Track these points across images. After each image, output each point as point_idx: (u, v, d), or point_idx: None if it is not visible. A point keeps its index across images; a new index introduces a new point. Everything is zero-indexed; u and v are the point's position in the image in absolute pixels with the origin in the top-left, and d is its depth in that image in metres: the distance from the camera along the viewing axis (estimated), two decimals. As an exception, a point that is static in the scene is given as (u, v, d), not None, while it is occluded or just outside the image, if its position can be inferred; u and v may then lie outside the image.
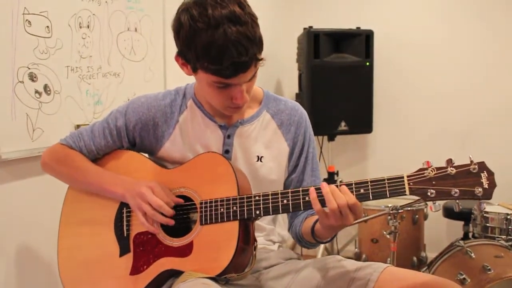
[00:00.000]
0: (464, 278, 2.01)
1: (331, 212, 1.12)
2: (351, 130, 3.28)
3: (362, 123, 3.31)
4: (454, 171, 1.10)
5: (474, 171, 1.08)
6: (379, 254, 2.71)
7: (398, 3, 3.48)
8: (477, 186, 1.07)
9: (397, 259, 2.35)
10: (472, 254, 2.12)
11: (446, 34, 3.37)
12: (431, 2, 3.43)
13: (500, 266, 2.00)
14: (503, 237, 2.27)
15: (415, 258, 2.69)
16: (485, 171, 1.08)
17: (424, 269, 2.38)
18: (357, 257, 2.84)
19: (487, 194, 1.07)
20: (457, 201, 1.11)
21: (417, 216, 2.71)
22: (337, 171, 3.31)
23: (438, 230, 3.27)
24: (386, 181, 1.13)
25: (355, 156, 3.65)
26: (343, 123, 3.24)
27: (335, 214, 1.12)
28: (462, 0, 3.34)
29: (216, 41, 1.10)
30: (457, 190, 1.08)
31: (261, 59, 1.18)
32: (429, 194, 1.10)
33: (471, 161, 1.10)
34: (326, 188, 1.14)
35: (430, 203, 1.12)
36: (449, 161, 1.12)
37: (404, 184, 1.11)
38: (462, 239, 2.35)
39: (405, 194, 1.12)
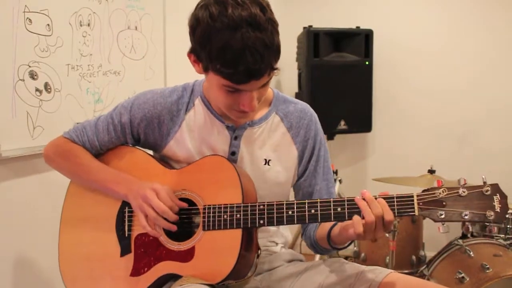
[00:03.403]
0: (463, 277, 2.01)
1: (367, 223, 1.08)
2: (351, 129, 3.29)
3: (362, 122, 3.32)
4: (466, 192, 1.06)
5: (487, 193, 1.05)
6: (378, 253, 2.71)
7: (398, 2, 3.48)
8: (488, 210, 1.04)
9: (396, 258, 2.36)
10: (471, 253, 2.12)
11: (446, 34, 3.38)
12: (431, 1, 3.43)
13: (498, 265, 2.01)
14: (502, 236, 2.28)
15: (414, 257, 2.69)
16: (498, 194, 1.04)
17: (423, 268, 2.39)
18: (356, 255, 2.84)
19: (499, 218, 1.03)
20: (467, 223, 1.09)
21: (416, 215, 2.71)
22: (336, 170, 3.31)
23: (437, 229, 3.28)
24: (395, 199, 1.10)
25: (354, 155, 3.66)
26: (342, 122, 3.24)
27: (369, 226, 1.08)
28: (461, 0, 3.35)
29: (232, 44, 1.05)
30: (468, 213, 1.05)
31: (276, 69, 1.13)
32: (438, 215, 1.07)
33: (484, 182, 1.06)
34: (361, 202, 1.10)
35: (438, 224, 1.09)
36: (461, 181, 1.08)
37: (413, 204, 1.09)
38: (461, 238, 2.36)
39: (414, 214, 1.09)
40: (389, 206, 1.10)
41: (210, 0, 1.11)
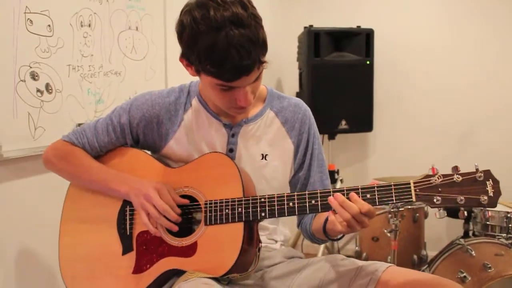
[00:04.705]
0: (464, 276, 2.01)
1: (345, 221, 1.11)
2: (352, 129, 3.29)
3: (363, 121, 3.32)
4: (460, 178, 1.09)
5: (480, 179, 1.08)
6: (380, 252, 2.71)
7: (399, 2, 3.47)
8: (482, 194, 1.07)
9: (398, 257, 2.36)
10: (473, 252, 2.12)
11: (446, 33, 3.38)
12: (431, 0, 3.43)
13: (500, 264, 2.01)
14: (504, 235, 2.28)
15: (415, 257, 2.69)
16: (490, 179, 1.08)
17: (425, 267, 2.39)
18: (358, 255, 2.84)
19: (492, 203, 1.07)
20: (462, 208, 1.11)
21: (417, 214, 2.71)
22: (338, 170, 3.32)
23: (439, 228, 3.28)
24: (392, 187, 1.13)
25: (355, 155, 3.66)
26: (343, 122, 3.24)
27: (350, 222, 1.11)
28: (462, -1, 3.36)
29: (218, 44, 1.08)
30: (463, 198, 1.08)
31: (264, 62, 1.16)
32: (435, 201, 1.10)
33: (477, 169, 1.09)
34: (334, 202, 1.12)
35: (435, 210, 1.12)
36: (455, 168, 1.11)
37: (410, 191, 1.11)
38: (463, 237, 2.36)
39: (412, 201, 1.12)
40: (387, 194, 1.12)
41: (192, 5, 1.14)
